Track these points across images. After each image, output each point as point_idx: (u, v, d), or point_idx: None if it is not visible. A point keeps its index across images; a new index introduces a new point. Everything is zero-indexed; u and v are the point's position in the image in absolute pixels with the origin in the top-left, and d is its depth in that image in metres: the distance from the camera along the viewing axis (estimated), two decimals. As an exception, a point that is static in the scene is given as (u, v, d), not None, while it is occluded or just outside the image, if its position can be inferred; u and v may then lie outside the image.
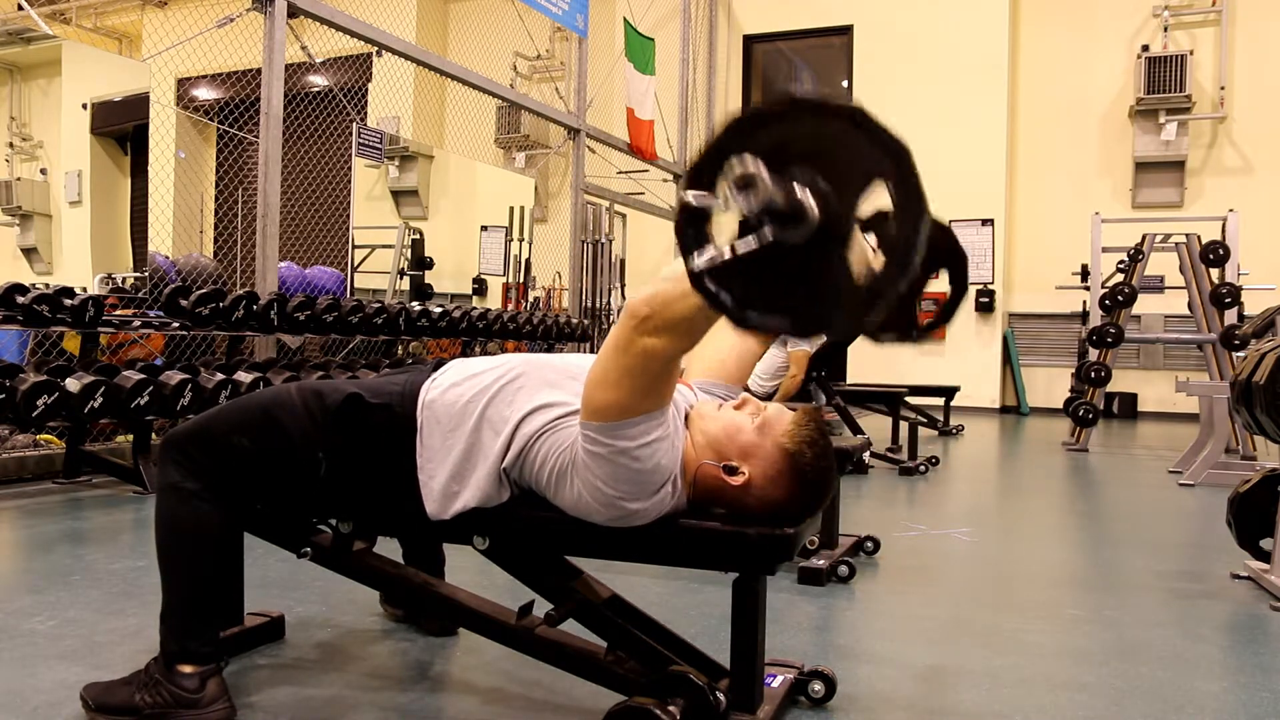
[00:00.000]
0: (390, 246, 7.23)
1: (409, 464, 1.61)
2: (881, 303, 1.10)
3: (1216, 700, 1.86)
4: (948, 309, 1.85)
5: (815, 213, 1.09)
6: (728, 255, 1.13)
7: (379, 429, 1.63)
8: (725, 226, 1.16)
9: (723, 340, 1.83)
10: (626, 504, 1.46)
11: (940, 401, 7.13)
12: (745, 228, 1.12)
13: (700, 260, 1.15)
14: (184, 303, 4.29)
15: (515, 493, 1.60)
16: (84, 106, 5.49)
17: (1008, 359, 10.15)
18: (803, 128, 1.12)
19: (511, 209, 8.14)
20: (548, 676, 1.79)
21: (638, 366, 1.36)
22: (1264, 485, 2.82)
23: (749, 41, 11.14)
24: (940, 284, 1.78)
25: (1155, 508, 4.38)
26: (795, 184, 1.09)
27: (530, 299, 8.37)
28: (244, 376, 4.26)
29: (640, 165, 9.60)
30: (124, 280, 5.38)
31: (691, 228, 1.17)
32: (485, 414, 1.59)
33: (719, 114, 11.05)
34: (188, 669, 1.60)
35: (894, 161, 1.08)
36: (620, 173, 9.65)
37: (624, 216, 9.27)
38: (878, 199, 1.11)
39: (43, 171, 5.79)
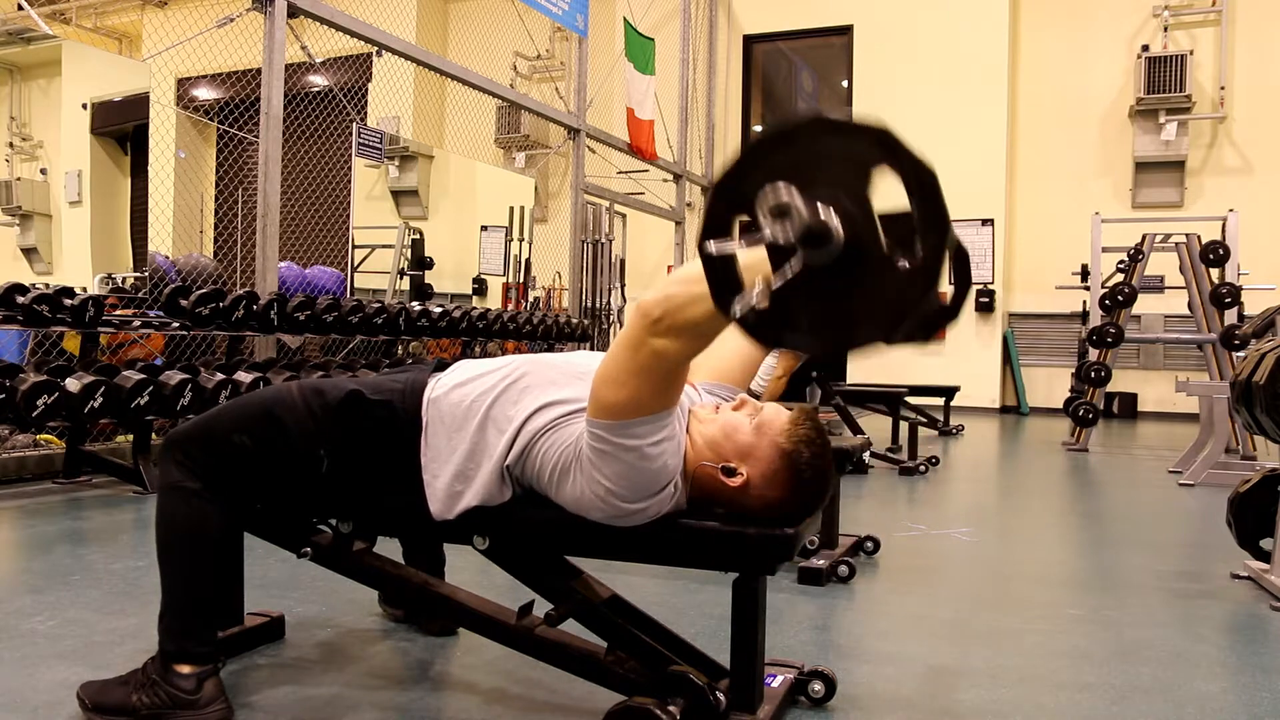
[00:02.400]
0: (390, 246, 7.23)
1: (411, 462, 1.61)
2: (909, 322, 1.10)
3: (1216, 700, 1.86)
4: (952, 307, 1.85)
5: (840, 234, 1.08)
6: (765, 301, 1.12)
7: (380, 426, 1.63)
8: (752, 258, 1.16)
9: (728, 343, 1.83)
10: (626, 503, 1.46)
11: (940, 401, 7.13)
12: (775, 255, 1.10)
13: (739, 307, 1.14)
14: (184, 303, 4.29)
15: (518, 491, 1.60)
16: (84, 106, 5.48)
17: (1008, 359, 10.15)
18: (824, 147, 1.11)
19: (511, 209, 8.14)
20: (548, 676, 1.79)
21: (647, 367, 1.36)
22: (1264, 485, 2.82)
23: (749, 41, 11.14)
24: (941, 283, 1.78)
25: (1155, 508, 4.38)
26: (820, 205, 1.09)
27: (530, 299, 8.37)
28: (244, 376, 4.25)
29: (640, 165, 9.60)
30: (124, 280, 5.38)
31: (718, 274, 1.16)
32: (490, 413, 1.59)
33: (719, 114, 11.06)
34: (185, 669, 1.60)
35: (918, 182, 1.08)
36: (620, 173, 9.66)
37: (624, 216, 9.27)
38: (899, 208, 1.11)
39: (43, 171, 5.78)
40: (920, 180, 1.08)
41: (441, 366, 1.74)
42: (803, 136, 1.12)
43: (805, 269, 1.09)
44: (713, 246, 1.15)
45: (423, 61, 6.37)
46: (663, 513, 1.50)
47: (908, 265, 1.10)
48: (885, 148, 1.09)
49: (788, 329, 1.15)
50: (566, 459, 1.50)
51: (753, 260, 1.15)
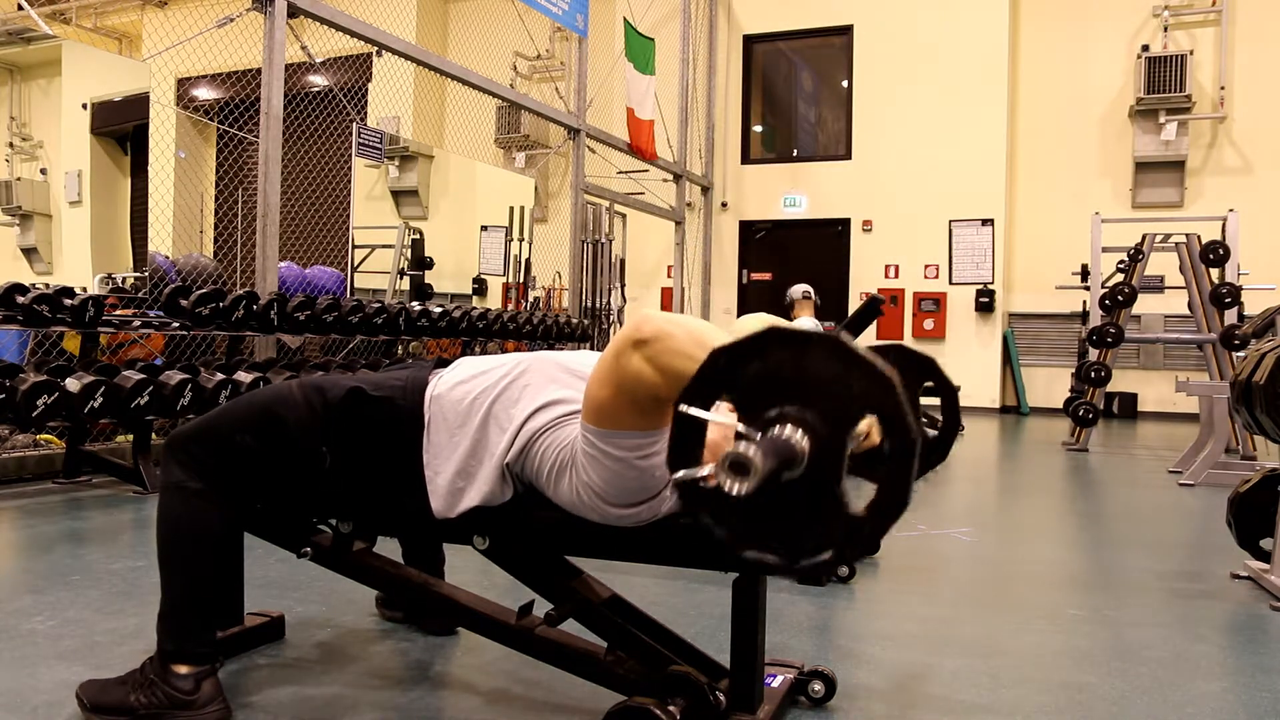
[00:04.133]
0: (390, 246, 7.23)
1: (413, 459, 1.61)
2: (880, 535, 1.12)
3: (1216, 700, 1.86)
4: (941, 447, 1.88)
5: (805, 453, 1.10)
6: (726, 503, 1.13)
7: (381, 423, 1.63)
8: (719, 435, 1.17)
9: None
10: (613, 507, 1.46)
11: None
12: (737, 468, 1.11)
13: (684, 474, 1.16)
14: (184, 303, 4.29)
15: (519, 489, 1.60)
16: (84, 106, 5.48)
17: (1008, 359, 10.15)
18: (786, 359, 1.13)
19: (511, 209, 8.14)
20: (548, 676, 1.79)
21: (624, 381, 1.35)
22: (1264, 485, 2.83)
23: (749, 41, 11.14)
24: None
25: (1155, 508, 4.38)
26: (783, 425, 1.10)
27: (530, 299, 8.36)
28: (244, 376, 4.25)
29: (640, 165, 9.60)
30: (124, 280, 5.37)
31: (682, 438, 1.18)
32: (492, 411, 1.59)
33: (719, 114, 11.06)
34: (183, 669, 1.60)
35: (882, 393, 1.09)
36: (620, 173, 9.66)
37: (624, 216, 9.27)
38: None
39: (43, 171, 5.78)
40: (882, 389, 1.08)
41: (442, 364, 1.74)
42: (814, 351, 1.12)
43: (762, 483, 1.09)
44: (687, 408, 1.16)
45: (423, 61, 6.37)
46: (655, 517, 1.50)
47: (877, 478, 1.11)
48: (841, 358, 1.10)
49: (745, 541, 1.17)
50: (563, 459, 1.50)
51: (718, 438, 1.20)
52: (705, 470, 1.15)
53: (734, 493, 1.07)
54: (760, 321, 1.76)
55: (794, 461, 1.10)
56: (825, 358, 1.11)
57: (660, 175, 10.11)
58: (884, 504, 1.11)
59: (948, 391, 1.86)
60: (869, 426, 1.47)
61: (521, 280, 8.08)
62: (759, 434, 1.11)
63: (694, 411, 1.16)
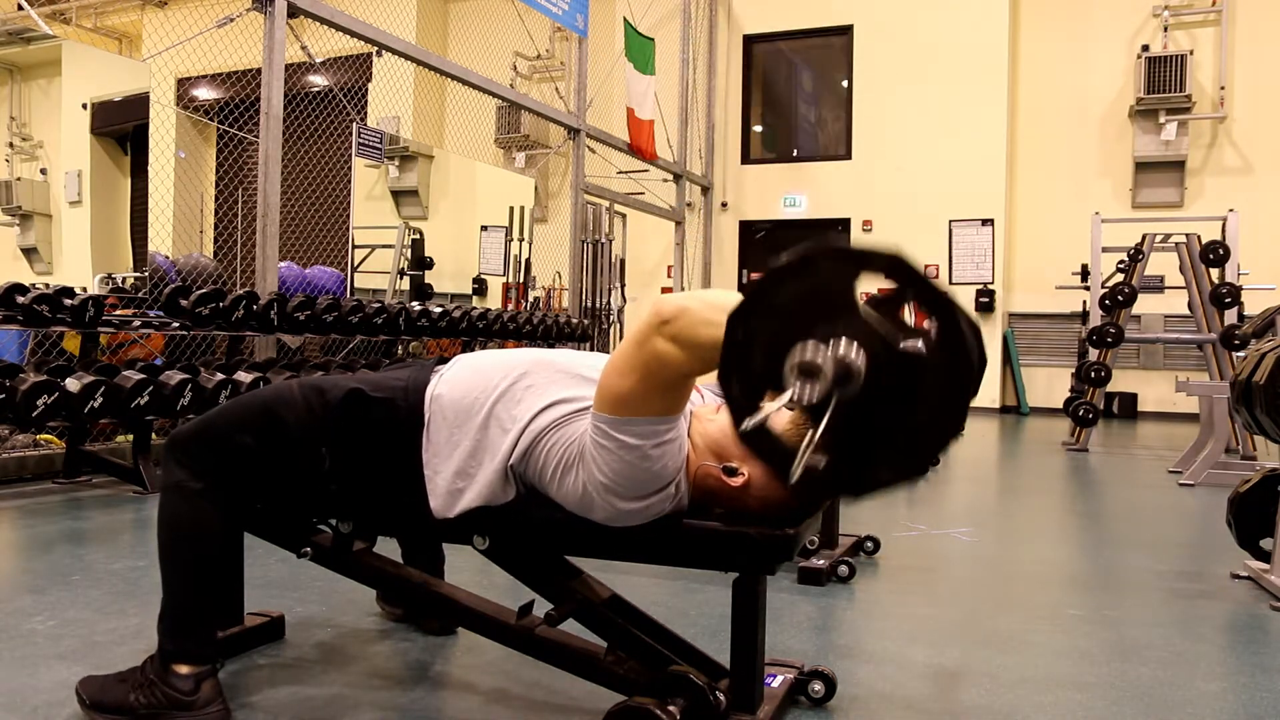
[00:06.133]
0: (390, 246, 7.23)
1: (412, 458, 1.61)
2: (948, 446, 1.12)
3: (1216, 700, 1.86)
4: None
5: (862, 369, 1.10)
6: (819, 461, 1.13)
7: (381, 423, 1.63)
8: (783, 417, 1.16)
9: None
10: (623, 501, 1.46)
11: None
12: (811, 412, 1.10)
13: (797, 471, 1.15)
14: (184, 303, 4.29)
15: (521, 490, 1.59)
16: (84, 106, 5.48)
17: (1008, 359, 10.15)
18: (791, 293, 1.13)
19: (511, 209, 8.14)
20: (548, 676, 1.79)
21: (649, 366, 1.36)
22: (1264, 485, 2.82)
23: (749, 41, 11.14)
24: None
25: (1155, 508, 4.38)
26: (838, 342, 1.10)
27: (530, 299, 8.36)
28: (244, 376, 4.25)
29: (640, 165, 9.60)
30: (124, 280, 5.37)
31: (764, 450, 1.18)
32: (494, 411, 1.58)
33: (719, 114, 11.06)
34: (183, 670, 1.59)
35: (887, 262, 1.09)
36: (620, 173, 9.66)
37: (624, 216, 9.27)
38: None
39: (43, 171, 5.78)
40: (941, 306, 1.09)
41: (443, 363, 1.74)
42: (808, 270, 1.13)
43: (839, 408, 1.09)
44: (748, 423, 1.16)
45: (423, 61, 6.37)
46: (663, 512, 1.49)
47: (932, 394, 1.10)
48: (899, 275, 1.10)
49: (849, 479, 1.17)
50: (569, 457, 1.50)
51: (784, 419, 1.20)
52: (770, 407, 1.14)
53: (807, 400, 1.06)
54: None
55: (852, 370, 1.08)
56: (781, 287, 1.11)
57: (660, 175, 10.11)
58: (945, 409, 1.10)
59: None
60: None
61: (521, 280, 8.08)
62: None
63: (755, 420, 1.15)
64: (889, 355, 1.10)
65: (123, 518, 3.46)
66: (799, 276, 1.13)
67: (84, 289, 4.54)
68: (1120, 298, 6.66)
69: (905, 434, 1.14)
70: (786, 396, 1.09)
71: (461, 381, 1.63)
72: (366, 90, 7.97)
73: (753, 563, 1.50)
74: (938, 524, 3.70)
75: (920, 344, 1.11)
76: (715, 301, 1.30)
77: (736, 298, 1.26)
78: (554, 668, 1.66)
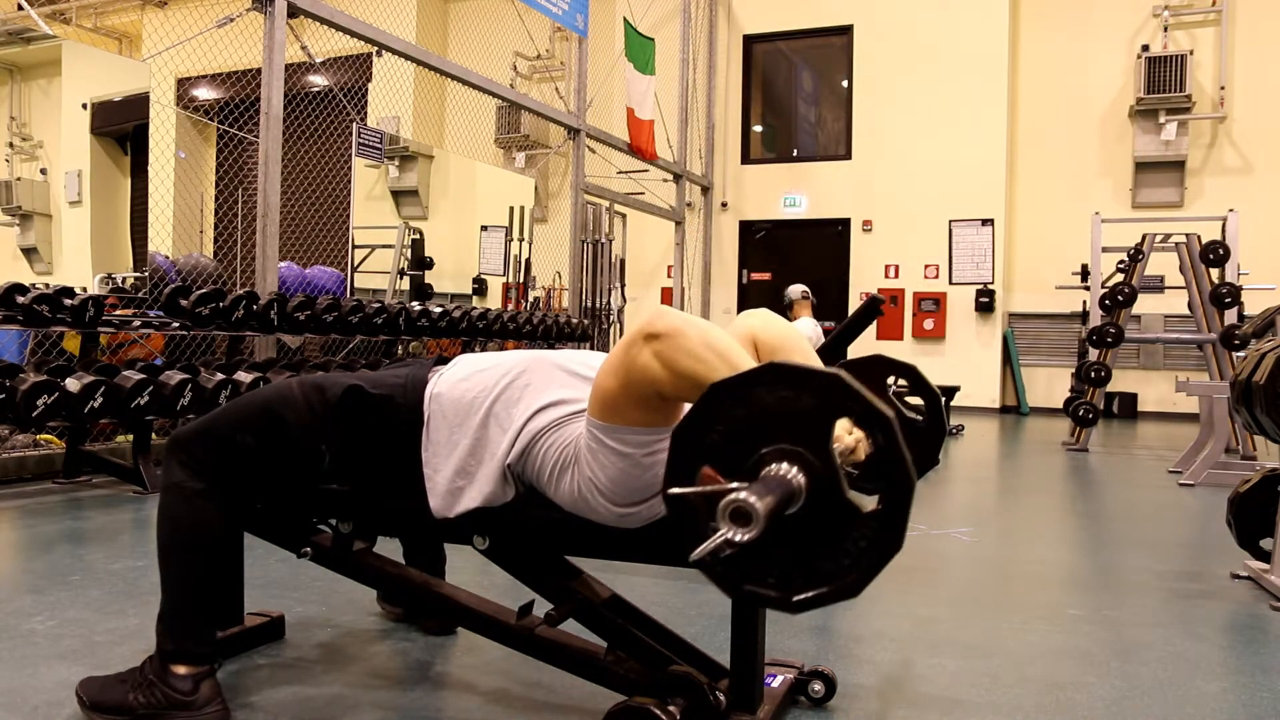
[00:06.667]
0: (390, 246, 7.23)
1: (412, 457, 1.61)
2: (883, 565, 1.11)
3: (1216, 700, 1.86)
4: (930, 450, 1.90)
5: (802, 485, 1.10)
6: (733, 548, 1.11)
7: (381, 421, 1.63)
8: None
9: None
10: (616, 506, 1.46)
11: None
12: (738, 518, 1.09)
13: (697, 556, 1.13)
14: (184, 303, 4.29)
15: (520, 490, 1.60)
16: (84, 106, 5.48)
17: (1008, 359, 10.15)
18: (741, 407, 1.14)
19: (511, 209, 8.14)
20: (548, 676, 1.80)
21: (630, 373, 1.35)
22: (1264, 485, 2.83)
23: (749, 41, 11.14)
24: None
25: (1155, 508, 4.38)
26: (780, 464, 1.11)
27: (530, 299, 8.37)
28: (244, 376, 4.25)
29: (640, 165, 9.60)
30: (124, 280, 5.37)
31: (679, 512, 1.17)
32: (493, 410, 1.58)
33: (719, 114, 11.06)
34: (182, 670, 1.59)
35: (842, 395, 1.10)
36: (620, 173, 9.66)
37: (624, 216, 9.27)
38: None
39: (43, 171, 5.78)
40: (882, 428, 1.08)
41: (442, 362, 1.74)
42: (760, 386, 1.13)
43: (771, 522, 1.08)
44: (675, 490, 1.16)
45: (423, 61, 6.37)
46: (656, 516, 1.49)
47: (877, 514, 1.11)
48: (843, 397, 1.10)
49: (752, 578, 1.16)
50: (566, 458, 1.50)
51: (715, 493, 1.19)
52: (700, 490, 1.15)
53: (740, 541, 1.06)
54: (761, 317, 1.76)
55: (794, 495, 1.10)
56: (773, 388, 1.12)
57: (660, 175, 10.11)
58: (885, 532, 1.10)
59: (931, 397, 1.88)
60: (855, 441, 1.48)
61: (521, 280, 8.08)
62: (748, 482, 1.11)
63: (683, 491, 1.16)
64: (831, 499, 1.11)
65: (122, 518, 3.46)
66: (776, 386, 1.13)
67: (84, 289, 4.55)
68: (1120, 298, 6.66)
69: (827, 561, 1.14)
70: (721, 513, 1.08)
71: (461, 380, 1.64)
72: (366, 90, 7.97)
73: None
74: (938, 524, 3.70)
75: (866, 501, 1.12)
76: (711, 340, 1.29)
77: (732, 348, 1.27)
78: (554, 668, 1.66)
